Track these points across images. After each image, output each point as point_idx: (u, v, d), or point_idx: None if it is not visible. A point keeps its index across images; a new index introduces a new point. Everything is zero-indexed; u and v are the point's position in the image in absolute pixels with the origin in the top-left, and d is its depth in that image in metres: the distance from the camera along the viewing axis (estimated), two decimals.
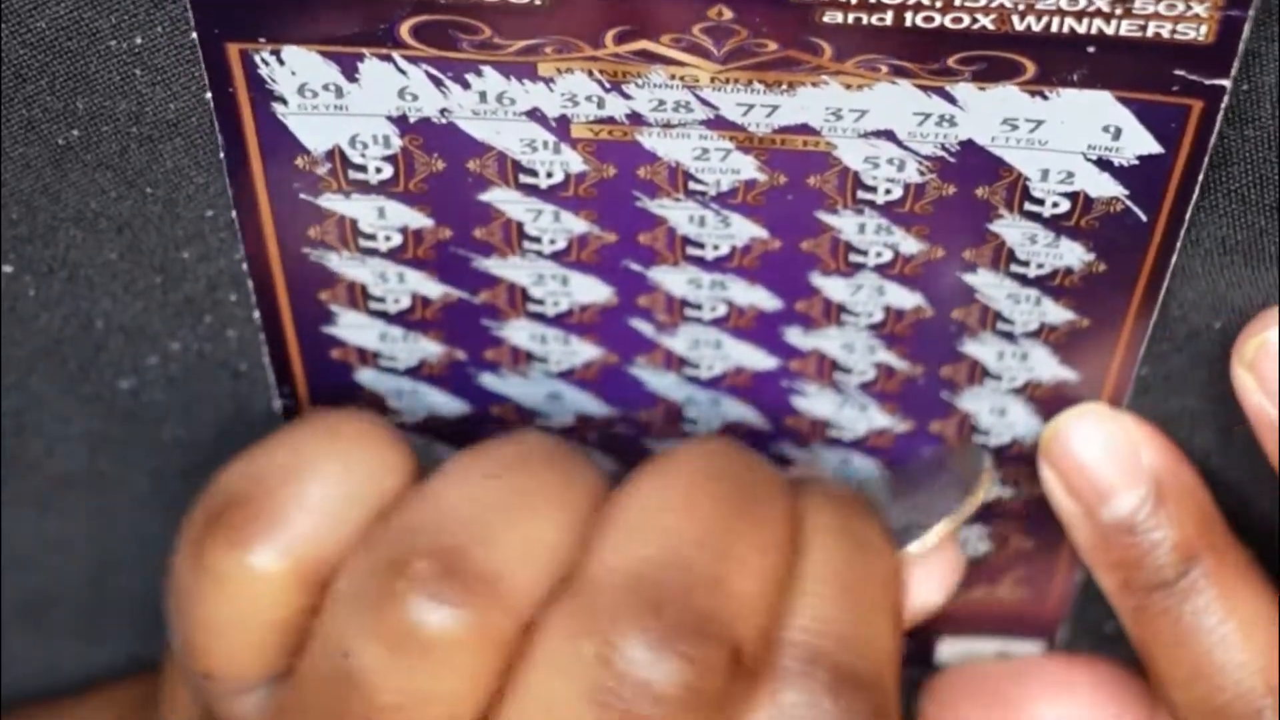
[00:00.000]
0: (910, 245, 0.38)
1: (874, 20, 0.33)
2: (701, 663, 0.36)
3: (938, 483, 0.42)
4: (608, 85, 0.35)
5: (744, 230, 0.38)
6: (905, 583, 0.40)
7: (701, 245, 0.38)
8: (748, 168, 0.37)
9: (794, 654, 0.37)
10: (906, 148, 0.36)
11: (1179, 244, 0.37)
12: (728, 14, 0.34)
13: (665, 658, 0.36)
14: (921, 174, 0.37)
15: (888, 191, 0.37)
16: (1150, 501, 0.40)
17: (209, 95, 0.36)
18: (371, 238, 0.38)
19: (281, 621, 0.38)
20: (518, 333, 0.40)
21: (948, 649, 0.47)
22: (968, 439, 0.42)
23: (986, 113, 0.35)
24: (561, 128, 0.36)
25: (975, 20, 0.33)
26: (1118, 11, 0.33)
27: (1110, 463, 0.40)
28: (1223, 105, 0.34)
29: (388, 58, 0.35)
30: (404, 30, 0.34)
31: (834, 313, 0.40)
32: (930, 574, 0.41)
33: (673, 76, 0.35)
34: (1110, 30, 0.33)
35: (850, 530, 0.39)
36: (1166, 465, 0.40)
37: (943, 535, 0.41)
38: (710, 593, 0.36)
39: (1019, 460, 0.43)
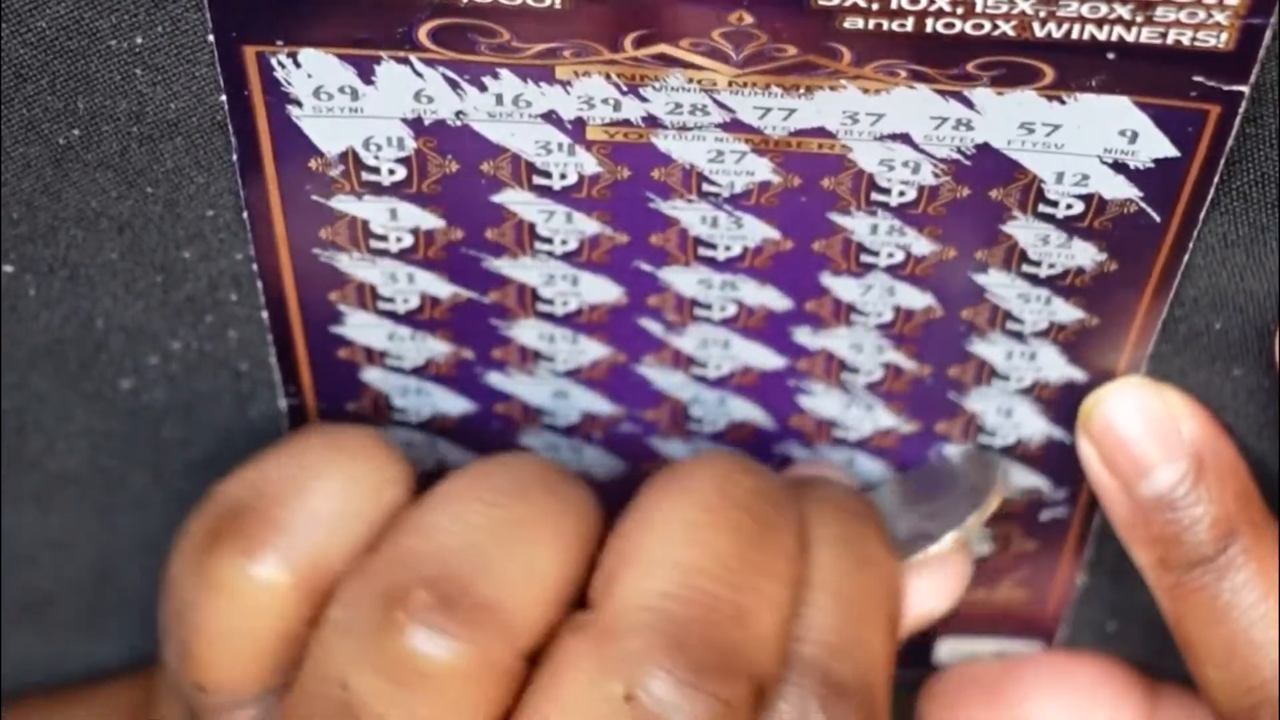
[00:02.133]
0: (922, 246, 0.38)
1: (894, 26, 0.34)
2: (728, 699, 0.36)
3: (951, 491, 0.42)
4: (625, 88, 0.35)
5: (756, 231, 0.38)
6: (904, 592, 0.40)
7: (713, 246, 0.39)
8: (762, 170, 0.37)
9: (789, 664, 0.38)
10: (922, 151, 0.36)
11: (1191, 244, 0.37)
12: (748, 19, 0.34)
13: (693, 697, 0.36)
14: (936, 176, 0.37)
15: (901, 193, 0.37)
16: (1190, 476, 0.39)
17: (223, 97, 0.36)
18: (383, 239, 0.38)
19: (281, 634, 0.38)
20: (526, 332, 0.40)
21: (946, 649, 0.47)
22: (982, 446, 0.43)
23: (1003, 117, 0.35)
24: (577, 130, 0.36)
25: (996, 27, 0.34)
26: (1138, 19, 0.33)
27: (1150, 437, 0.40)
28: (1240, 110, 0.35)
29: (404, 60, 0.35)
30: (422, 33, 0.34)
31: (844, 312, 0.40)
32: (934, 583, 0.41)
33: (690, 80, 0.35)
34: (1130, 37, 0.33)
35: (850, 539, 0.39)
36: (1207, 439, 0.40)
37: (950, 546, 0.41)
38: (732, 627, 0.36)
39: (1024, 461, 0.43)
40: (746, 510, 0.38)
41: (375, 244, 0.38)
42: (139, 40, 0.35)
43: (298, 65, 0.35)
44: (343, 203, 0.38)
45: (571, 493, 0.39)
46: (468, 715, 0.36)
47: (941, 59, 0.34)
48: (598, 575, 0.38)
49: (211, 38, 0.35)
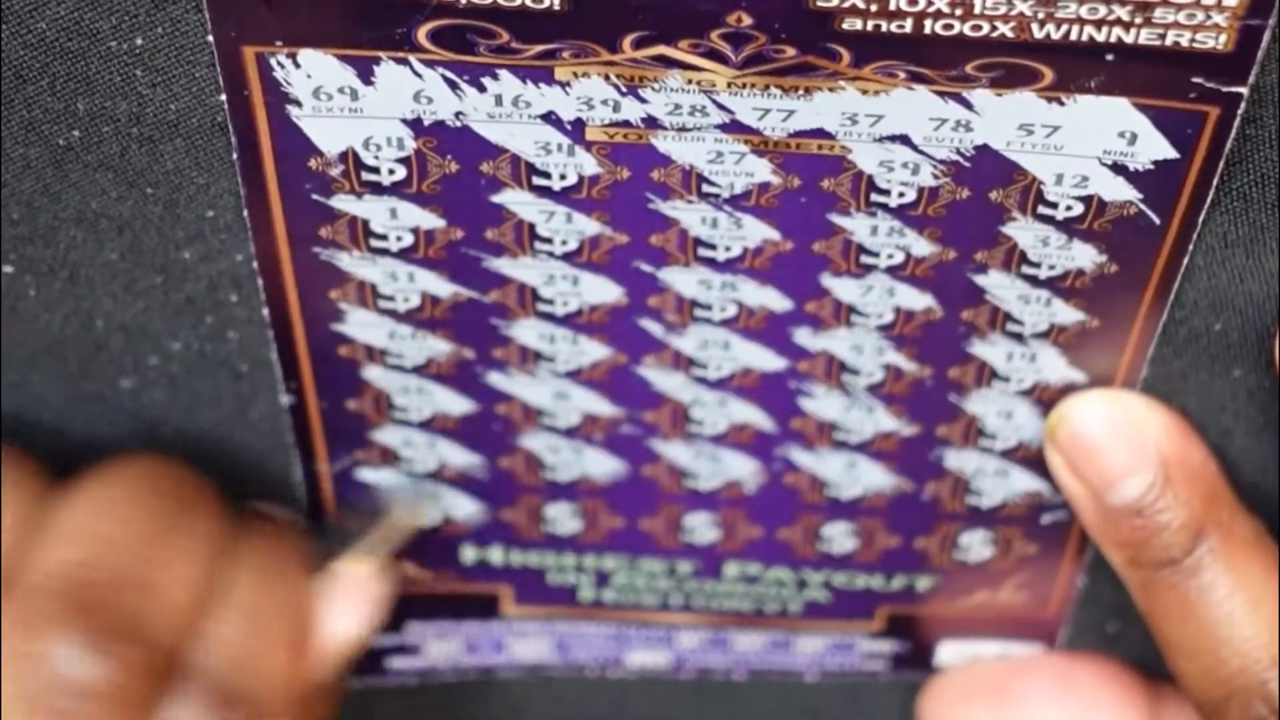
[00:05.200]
0: (922, 247, 0.38)
1: (893, 27, 0.34)
2: (127, 661, 0.38)
3: (374, 518, 0.44)
4: (624, 89, 0.35)
5: (756, 232, 0.38)
6: (314, 611, 0.42)
7: (713, 246, 0.39)
8: (762, 171, 0.37)
9: (191, 669, 0.39)
10: (922, 152, 0.36)
11: (1191, 246, 0.37)
12: (747, 20, 0.34)
13: (93, 656, 0.37)
14: (936, 178, 0.37)
15: (901, 195, 0.37)
16: (1158, 485, 0.40)
17: (223, 97, 0.36)
18: (383, 238, 0.38)
19: None
20: (526, 332, 0.40)
21: (949, 652, 0.47)
22: (412, 475, 0.44)
23: (1003, 118, 0.35)
24: (576, 131, 0.36)
25: (995, 28, 0.33)
26: (1137, 20, 0.33)
27: (1117, 447, 0.40)
28: (1240, 112, 0.34)
29: (404, 61, 0.35)
30: (421, 34, 0.34)
31: (844, 313, 0.40)
32: (344, 605, 0.43)
33: (689, 81, 0.35)
34: (1129, 39, 0.33)
35: (268, 560, 0.41)
36: (1174, 446, 0.40)
37: (351, 568, 0.43)
38: (139, 597, 0.39)
39: (1025, 465, 0.43)
40: (167, 496, 0.40)
41: (375, 243, 0.38)
42: (139, 41, 0.35)
43: (297, 65, 0.35)
44: (343, 202, 0.38)
45: (16, 469, 0.41)
46: None
47: (940, 60, 0.34)
48: (30, 544, 0.39)
49: (211, 38, 0.35)
